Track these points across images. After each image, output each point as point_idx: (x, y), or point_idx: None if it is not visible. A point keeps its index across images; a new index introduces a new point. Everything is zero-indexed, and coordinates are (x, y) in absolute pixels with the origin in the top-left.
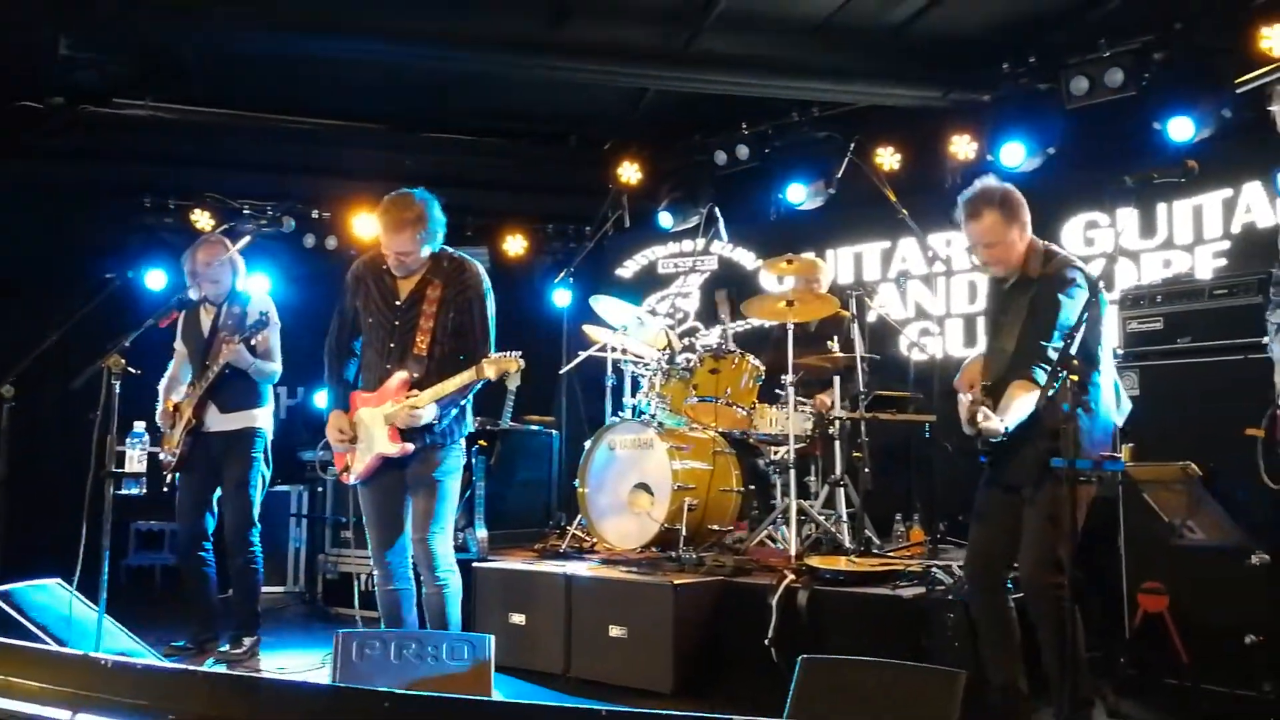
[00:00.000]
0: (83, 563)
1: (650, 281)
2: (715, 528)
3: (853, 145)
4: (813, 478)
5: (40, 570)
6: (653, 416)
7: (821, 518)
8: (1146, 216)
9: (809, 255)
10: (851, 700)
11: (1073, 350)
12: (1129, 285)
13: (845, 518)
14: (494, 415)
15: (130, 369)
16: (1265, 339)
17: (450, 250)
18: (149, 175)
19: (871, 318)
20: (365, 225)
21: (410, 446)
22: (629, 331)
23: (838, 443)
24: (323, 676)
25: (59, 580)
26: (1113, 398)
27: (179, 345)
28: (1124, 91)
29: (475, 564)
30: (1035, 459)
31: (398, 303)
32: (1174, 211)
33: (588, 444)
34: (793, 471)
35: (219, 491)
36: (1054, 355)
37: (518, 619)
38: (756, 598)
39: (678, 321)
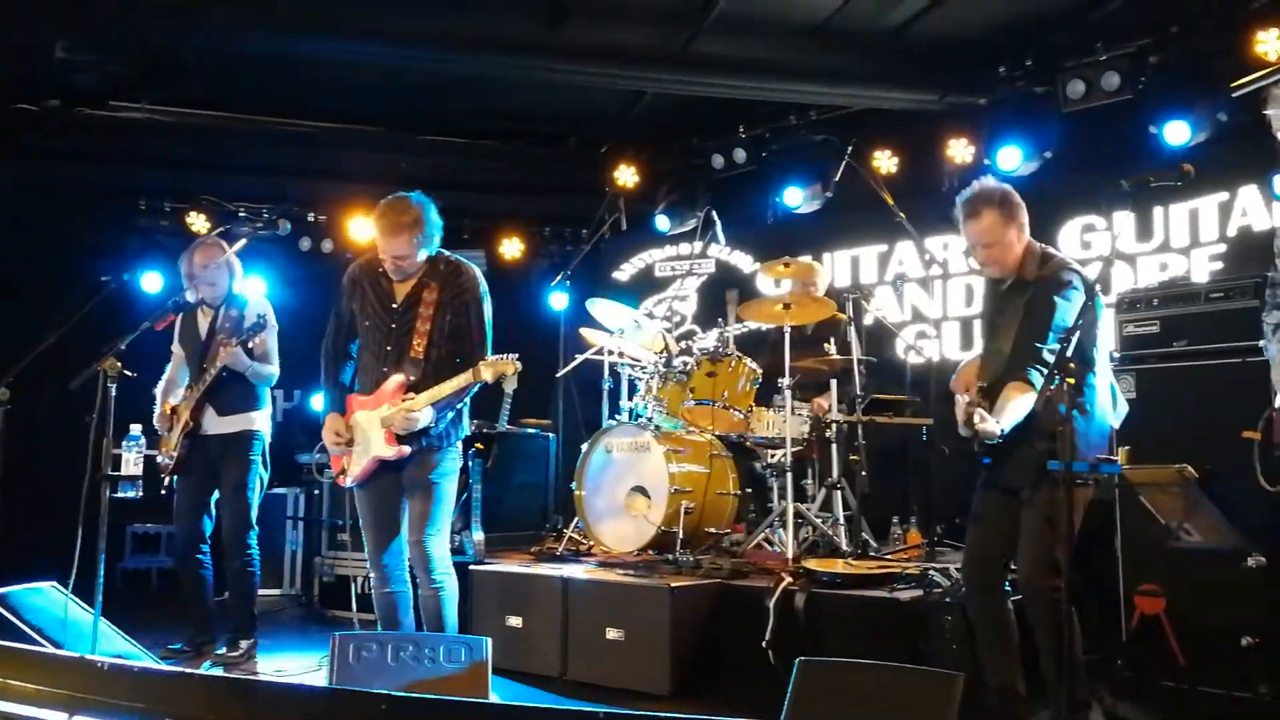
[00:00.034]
0: (79, 565)
1: (647, 284)
2: (712, 530)
3: (850, 148)
4: (810, 481)
5: (36, 573)
6: (649, 419)
7: (819, 520)
8: (1143, 220)
9: (806, 258)
10: (849, 703)
11: (1069, 353)
12: (1125, 288)
13: (842, 520)
14: (491, 418)
15: (126, 372)
16: (1261, 342)
17: (447, 253)
18: (145, 177)
19: (868, 321)
20: (362, 228)
21: (407, 449)
22: (626, 334)
23: (835, 446)
24: (320, 679)
25: (55, 583)
26: (1109, 400)
27: (176, 348)
28: (1120, 95)
29: (472, 567)
30: (1032, 461)
31: (394, 306)
32: (1170, 215)
33: (585, 447)
34: (790, 474)
35: (216, 494)
36: (1050, 357)
37: (515, 621)
38: (754, 600)
39: (675, 325)
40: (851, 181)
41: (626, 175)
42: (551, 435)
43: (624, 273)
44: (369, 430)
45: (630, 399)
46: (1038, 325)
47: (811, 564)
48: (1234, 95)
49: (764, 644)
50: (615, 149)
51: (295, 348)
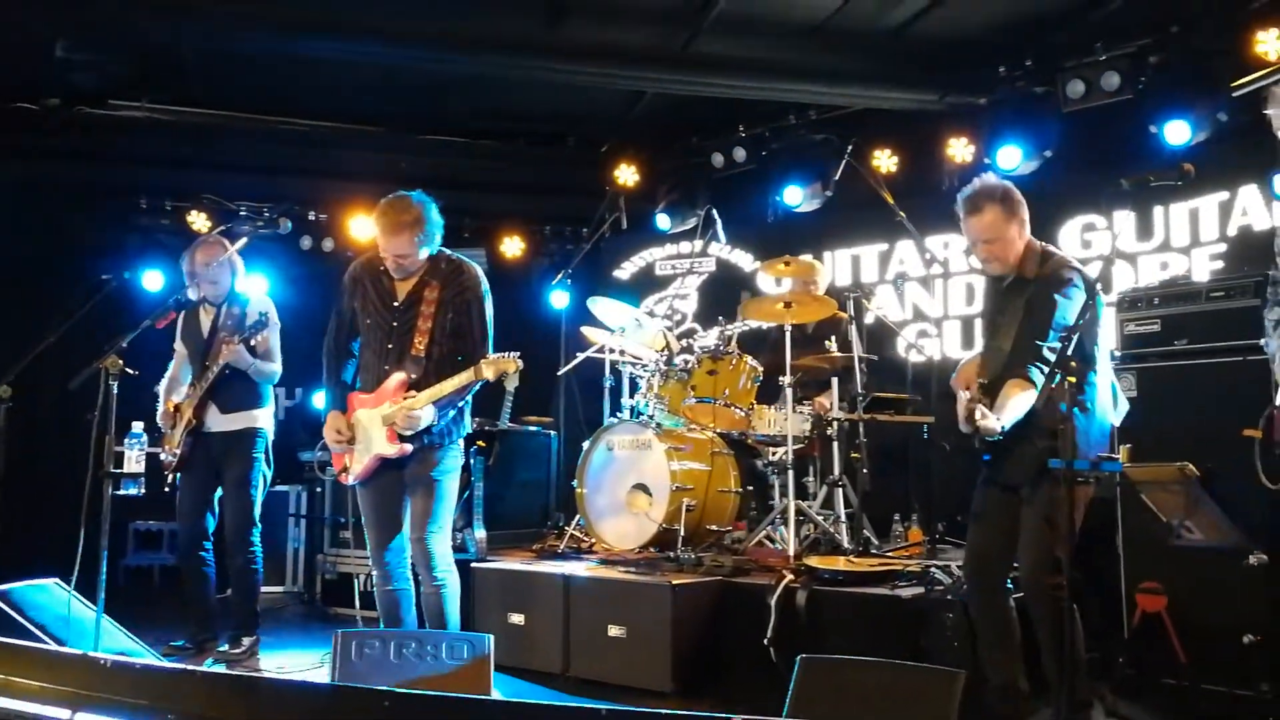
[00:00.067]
0: (81, 563)
1: (648, 283)
2: (713, 528)
3: (850, 148)
4: (811, 478)
5: (39, 570)
6: (651, 417)
7: (820, 518)
8: (1143, 219)
9: (806, 257)
10: (850, 700)
11: (1069, 351)
12: (1126, 287)
13: (844, 518)
14: (492, 416)
15: (128, 370)
16: (1262, 340)
17: (448, 252)
18: (145, 176)
19: (869, 319)
20: (362, 227)
21: (408, 447)
22: (627, 333)
23: (836, 443)
24: (322, 676)
25: (57, 580)
26: (1109, 399)
27: (179, 346)
28: (1120, 95)
29: (474, 564)
30: (1032, 459)
31: (395, 304)
32: (1171, 214)
33: (586, 445)
34: (791, 472)
35: (219, 492)
36: (1051, 355)
37: (517, 619)
38: (755, 598)
39: (675, 323)
40: (852, 180)
41: (627, 174)
42: (553, 433)
43: (625, 271)
44: (370, 428)
45: (631, 397)
46: (1038, 323)
47: (813, 561)
48: (1234, 95)
49: (765, 641)
50: (616, 148)
51: (297, 346)
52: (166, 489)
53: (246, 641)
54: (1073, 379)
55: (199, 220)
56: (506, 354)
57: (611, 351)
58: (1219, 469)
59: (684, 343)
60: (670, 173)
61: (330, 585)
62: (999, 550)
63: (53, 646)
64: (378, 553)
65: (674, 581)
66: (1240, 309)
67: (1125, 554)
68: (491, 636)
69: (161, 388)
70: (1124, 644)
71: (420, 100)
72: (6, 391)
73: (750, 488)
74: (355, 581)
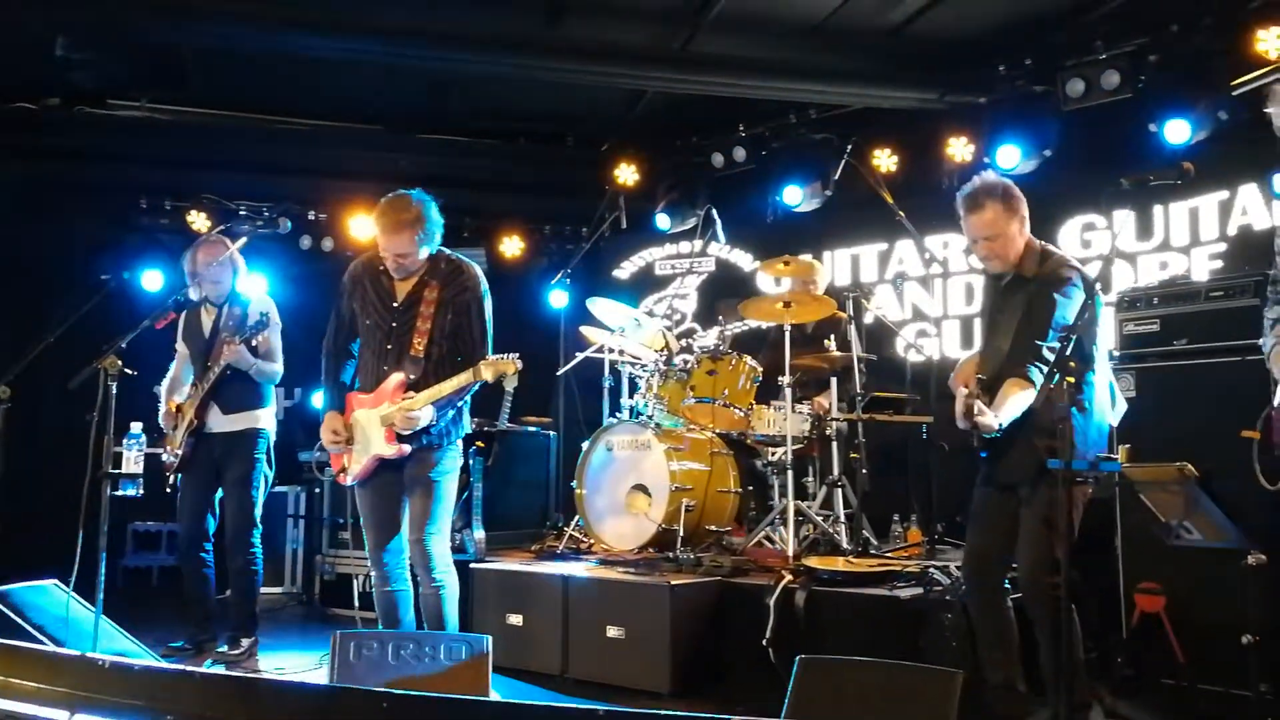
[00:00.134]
0: (80, 563)
1: (647, 283)
2: (713, 528)
3: (849, 147)
4: (810, 478)
5: (37, 571)
6: (650, 417)
7: (819, 518)
8: (1143, 219)
9: (806, 257)
10: (849, 700)
11: (1068, 351)
12: (1126, 287)
13: (843, 518)
14: (491, 416)
15: (127, 370)
16: (1261, 339)
17: (448, 252)
18: (145, 176)
19: (868, 319)
20: (362, 226)
21: (407, 448)
22: (626, 333)
23: (835, 444)
24: (320, 677)
25: (56, 581)
26: (1108, 398)
27: (180, 346)
28: (1120, 94)
29: (473, 565)
30: (1030, 458)
31: (395, 304)
32: (1170, 214)
33: (585, 445)
34: (790, 472)
35: (220, 492)
36: (1050, 355)
37: (515, 620)
38: (754, 598)
39: (675, 323)
40: (851, 180)
41: (627, 174)
42: (552, 433)
43: (624, 271)
44: (369, 429)
45: (631, 397)
46: (1037, 323)
47: (812, 562)
48: (1234, 94)
49: (764, 642)
50: (615, 147)
51: (296, 346)
52: (168, 490)
53: (245, 642)
54: (1071, 379)
55: (199, 220)
56: (506, 355)
57: (611, 351)
58: (1218, 469)
59: (683, 343)
60: (670, 172)
61: (329, 586)
62: (998, 550)
63: (51, 647)
64: (376, 553)
65: (673, 582)
66: (1240, 308)
67: (1124, 554)
68: (490, 637)
69: (163, 388)
70: (1122, 644)
71: (420, 100)
72: (6, 392)
73: (749, 488)
74: (354, 582)
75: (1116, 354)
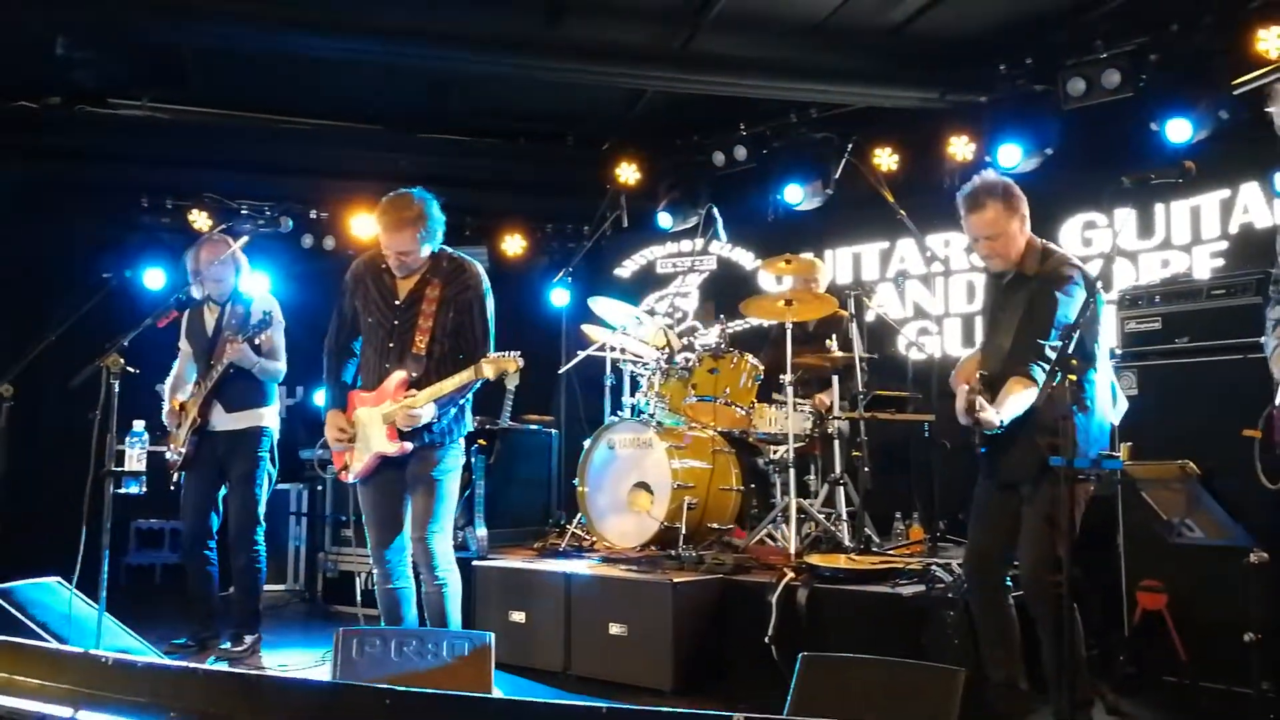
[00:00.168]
0: (83, 561)
1: (649, 281)
2: (715, 526)
3: (850, 146)
4: (812, 476)
5: (40, 569)
6: (652, 416)
7: (821, 516)
8: (1144, 217)
9: (807, 255)
10: (851, 698)
11: (1070, 349)
12: (1127, 285)
13: (845, 516)
14: (493, 414)
15: (129, 368)
16: (1262, 338)
17: (450, 250)
18: (146, 175)
19: (870, 317)
20: (363, 225)
21: (409, 446)
22: (628, 331)
23: (837, 442)
24: (323, 674)
25: (59, 579)
26: (1109, 397)
27: (183, 344)
28: (1121, 93)
29: (475, 562)
30: (1032, 456)
31: (397, 302)
32: (1172, 212)
33: (587, 443)
34: (792, 470)
35: (224, 490)
36: (1052, 354)
37: (518, 617)
38: (756, 596)
39: (676, 321)
40: (852, 179)
41: (628, 172)
42: (554, 431)
43: (626, 269)
44: (370, 426)
45: (632, 395)
46: (1039, 321)
47: (814, 559)
48: (1235, 93)
49: (766, 639)
50: (617, 146)
51: (298, 344)
52: (172, 487)
53: (248, 639)
54: (1073, 376)
55: (200, 219)
56: (507, 353)
57: (612, 350)
58: (1220, 467)
59: (685, 341)
60: (671, 171)
61: (331, 583)
62: (999, 548)
63: (55, 645)
64: (378, 551)
65: (675, 580)
66: (1241, 307)
67: (1126, 552)
68: (492, 634)
69: (166, 386)
70: (1124, 642)
71: (420, 99)
72: (8, 390)
73: (751, 486)
74: (357, 580)
75: (1118, 352)
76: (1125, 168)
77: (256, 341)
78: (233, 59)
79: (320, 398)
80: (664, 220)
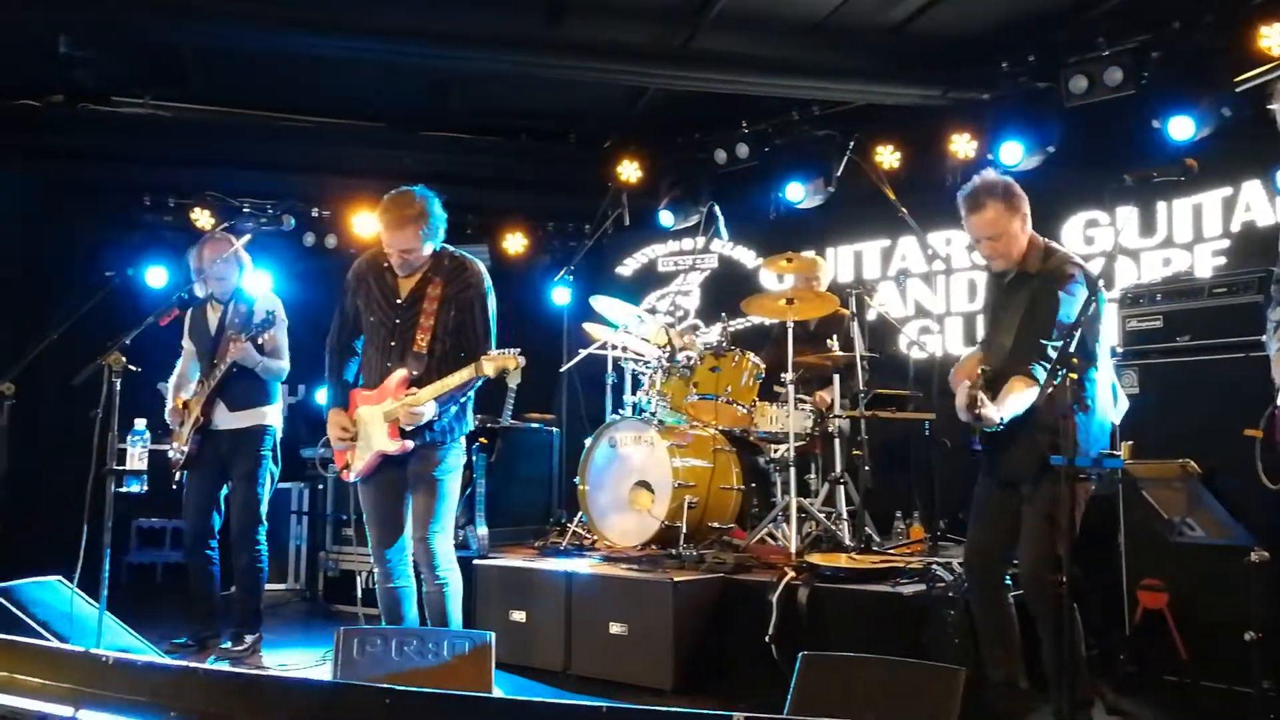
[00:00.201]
0: (84, 560)
1: (650, 279)
2: (715, 525)
3: (852, 144)
4: (813, 475)
5: (41, 567)
6: (653, 414)
7: (822, 515)
8: (1146, 215)
9: (809, 253)
10: (852, 697)
11: (1072, 348)
12: (1129, 284)
13: (845, 515)
14: (494, 413)
15: (131, 366)
16: (1264, 337)
17: (451, 249)
18: (148, 173)
19: (871, 316)
20: (365, 223)
21: (410, 444)
22: (629, 329)
23: (838, 441)
24: (324, 673)
25: (60, 577)
26: (1109, 396)
27: (186, 343)
28: (1123, 90)
29: (476, 561)
30: (1033, 455)
31: (399, 301)
32: (1174, 210)
33: (588, 442)
34: (793, 469)
35: (226, 489)
36: (1054, 354)
37: (518, 616)
38: (757, 595)
39: (678, 319)
40: (854, 177)
41: (629, 171)
42: (555, 430)
43: (627, 268)
44: (372, 425)
45: (634, 394)
46: (1040, 320)
47: (815, 558)
48: (1238, 90)
49: (767, 638)
50: (618, 144)
51: (300, 343)
52: (174, 486)
53: (249, 639)
54: (1074, 375)
55: (202, 217)
56: (507, 351)
57: (614, 348)
58: (1221, 466)
59: (686, 339)
60: (672, 169)
61: (332, 582)
62: (999, 546)
63: (55, 644)
64: (379, 550)
65: (676, 579)
66: (1243, 305)
67: (1127, 551)
68: (493, 634)
69: (170, 385)
70: (1125, 641)
71: (421, 98)
72: (10, 388)
73: (752, 485)
74: (357, 579)
75: (1119, 350)
76: (1127, 166)
77: (260, 341)
78: (234, 58)
79: (322, 396)
80: (665, 218)
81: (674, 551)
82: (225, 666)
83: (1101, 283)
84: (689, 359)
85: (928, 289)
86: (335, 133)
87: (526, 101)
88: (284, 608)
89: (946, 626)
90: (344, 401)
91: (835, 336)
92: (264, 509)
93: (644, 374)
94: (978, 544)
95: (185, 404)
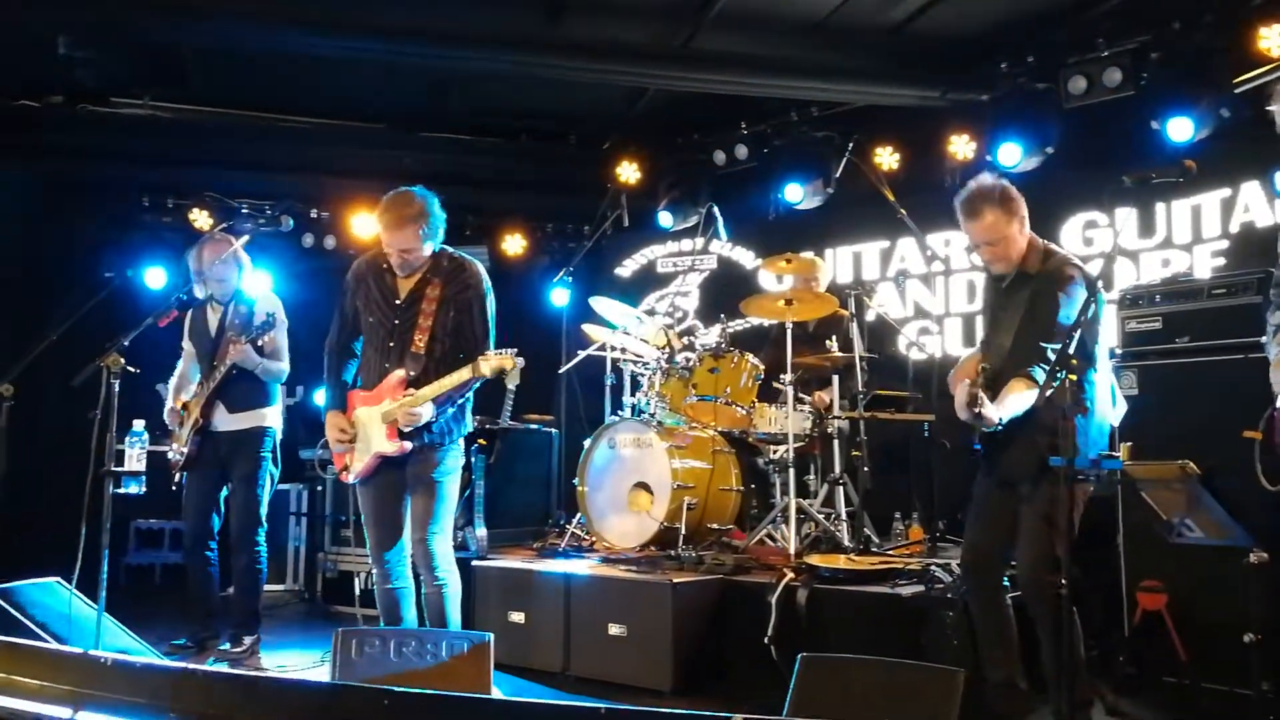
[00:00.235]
0: (82, 561)
1: (649, 280)
2: (715, 526)
3: (851, 145)
4: (812, 476)
5: (40, 569)
6: (652, 415)
7: (821, 516)
8: (1145, 216)
9: (808, 254)
10: (851, 698)
11: (1071, 349)
12: (1128, 285)
13: (844, 516)
14: (493, 414)
15: (129, 368)
16: (1263, 338)
17: (450, 250)
18: (147, 174)
19: (870, 317)
20: (364, 224)
21: (408, 445)
22: (628, 330)
23: (837, 442)
24: (322, 675)
25: (59, 579)
26: (1108, 397)
27: (186, 344)
28: (1122, 91)
29: (475, 562)
30: (1031, 456)
31: (397, 302)
32: (1173, 211)
33: (587, 443)
34: (792, 470)
35: (226, 490)
36: (1054, 356)
37: (517, 617)
38: (756, 596)
39: (677, 320)
40: (853, 178)
41: (628, 172)
42: (554, 431)
43: (626, 269)
44: (370, 426)
45: (633, 395)
46: (1040, 321)
47: (814, 559)
48: (1236, 91)
49: (766, 640)
50: (617, 145)
51: (298, 344)
52: (174, 487)
53: (247, 640)
54: (1073, 376)
55: (201, 218)
56: (503, 350)
57: (613, 349)
58: (1220, 467)
59: (685, 340)
60: (672, 170)
61: (331, 584)
62: (997, 546)
63: (54, 645)
64: (378, 552)
65: (675, 580)
66: (1242, 306)
67: (1126, 552)
68: (492, 635)
69: (171, 385)
70: (1124, 642)
71: (421, 98)
72: (9, 389)
73: (751, 486)
74: (356, 580)
75: (1118, 351)
76: (1126, 166)
77: (260, 343)
78: (233, 58)
79: (320, 397)
80: (664, 219)
81: (673, 553)
82: (224, 668)
83: (1100, 284)
84: (688, 360)
85: (927, 290)
86: (334, 133)
87: (526, 102)
88: (282, 609)
89: (945, 628)
90: (342, 403)
91: (834, 337)
92: (264, 510)
93: (643, 375)
94: (975, 544)
95: (185, 405)
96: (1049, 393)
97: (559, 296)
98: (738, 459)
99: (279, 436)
